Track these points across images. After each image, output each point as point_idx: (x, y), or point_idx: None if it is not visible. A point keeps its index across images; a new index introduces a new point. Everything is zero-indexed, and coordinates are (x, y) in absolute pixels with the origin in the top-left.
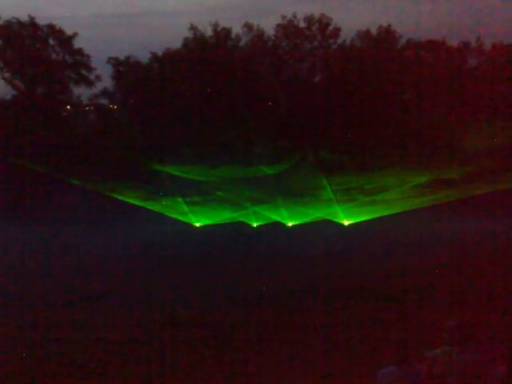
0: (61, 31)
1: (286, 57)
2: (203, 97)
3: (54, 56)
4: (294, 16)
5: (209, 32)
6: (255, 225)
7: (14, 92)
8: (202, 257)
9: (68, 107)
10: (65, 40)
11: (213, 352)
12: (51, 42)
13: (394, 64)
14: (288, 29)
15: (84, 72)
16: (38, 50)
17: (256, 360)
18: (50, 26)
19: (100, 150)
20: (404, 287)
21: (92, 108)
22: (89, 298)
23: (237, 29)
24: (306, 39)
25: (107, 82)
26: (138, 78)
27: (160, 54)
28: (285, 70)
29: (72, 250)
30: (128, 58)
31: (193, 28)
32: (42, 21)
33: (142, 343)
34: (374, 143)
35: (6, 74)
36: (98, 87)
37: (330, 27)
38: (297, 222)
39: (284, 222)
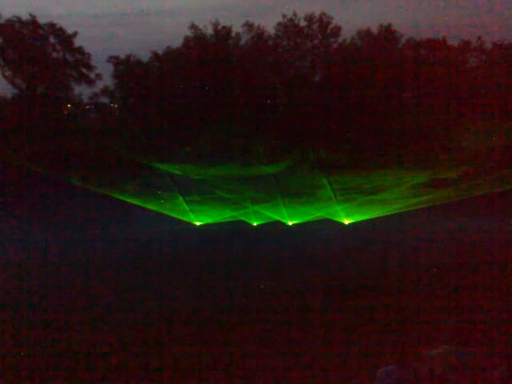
0: (61, 30)
1: (287, 55)
2: (203, 95)
3: (54, 54)
4: (295, 15)
5: (209, 31)
6: (255, 224)
7: (14, 90)
8: (202, 255)
9: (68, 106)
10: (65, 38)
11: (211, 351)
12: (52, 40)
13: (395, 63)
14: (288, 28)
15: (84, 71)
16: (38, 48)
17: (255, 359)
18: (51, 25)
19: (100, 148)
20: (404, 286)
21: (92, 107)
22: (87, 297)
23: (237, 28)
24: (306, 38)
25: (108, 81)
26: (139, 76)
27: (160, 52)
28: (285, 68)
29: (70, 250)
30: (128, 56)
31: (193, 27)
32: (42, 19)
33: (141, 342)
34: (373, 142)
35: (7, 73)
36: (99, 86)
37: (331, 26)
38: (297, 221)
39: (284, 220)
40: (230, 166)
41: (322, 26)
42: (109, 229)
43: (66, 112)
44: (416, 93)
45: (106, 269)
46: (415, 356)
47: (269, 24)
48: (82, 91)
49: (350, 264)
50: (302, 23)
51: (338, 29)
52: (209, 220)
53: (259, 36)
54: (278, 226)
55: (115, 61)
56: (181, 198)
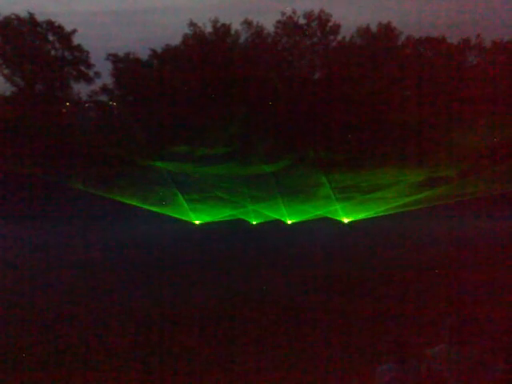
0: (60, 28)
1: (286, 53)
2: (202, 93)
3: (53, 52)
4: (294, 12)
5: (208, 28)
6: (254, 222)
7: (13, 88)
8: (201, 254)
9: (67, 103)
10: (64, 36)
11: (212, 350)
12: (50, 38)
13: (394, 61)
14: (287, 25)
15: (83, 68)
16: (37, 46)
17: (255, 357)
18: (50, 23)
19: (99, 146)
20: (404, 285)
21: (91, 104)
22: (87, 295)
23: (236, 25)
24: (305, 36)
25: (106, 79)
26: (138, 74)
27: (159, 50)
28: (284, 66)
29: (70, 249)
30: (127, 54)
31: (192, 24)
32: (41, 17)
33: (140, 341)
34: (372, 140)
35: (5, 71)
36: (98, 84)
37: (330, 24)
38: (296, 220)
39: (283, 219)
40: (229, 164)
41: (321, 23)
42: (107, 228)
43: (64, 110)
44: (415, 91)
45: (104, 267)
46: (415, 354)
47: (268, 22)
48: (81, 89)
49: (348, 262)
50: (301, 21)
51: (337, 26)
52: (208, 219)
53: (258, 34)
54: (277, 224)
55: (114, 59)
56: (180, 197)
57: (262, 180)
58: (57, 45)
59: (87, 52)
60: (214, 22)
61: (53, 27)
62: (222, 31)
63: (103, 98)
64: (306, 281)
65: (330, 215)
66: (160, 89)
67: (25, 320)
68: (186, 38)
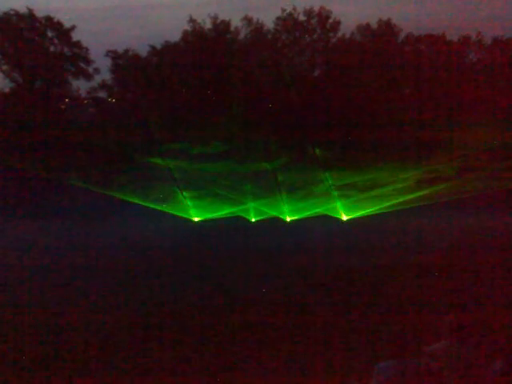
0: (59, 23)
1: (286, 50)
2: (202, 90)
3: (52, 48)
4: (294, 9)
5: (208, 25)
6: (253, 219)
7: (12, 84)
8: (200, 251)
9: (66, 100)
10: (63, 32)
11: (211, 347)
12: (49, 34)
13: (394, 58)
14: (287, 22)
15: (82, 65)
16: (36, 42)
17: (255, 355)
18: (49, 19)
19: (98, 143)
20: (403, 282)
21: (90, 101)
22: (86, 294)
23: (236, 22)
24: (305, 32)
25: (106, 75)
26: (137, 71)
27: (159, 46)
28: (284, 63)
29: (69, 246)
30: (126, 50)
31: (192, 21)
32: (40, 13)
33: (140, 340)
34: (372, 137)
35: (4, 67)
36: (97, 80)
37: (330, 20)
38: (295, 217)
39: (282, 216)
40: (229, 161)
41: (322, 20)
42: (106, 225)
43: (63, 106)
44: (415, 88)
45: (103, 264)
46: (414, 351)
47: (268, 18)
48: (80, 85)
49: (348, 259)
50: (301, 18)
51: (337, 23)
52: (207, 216)
53: (258, 30)
54: (276, 221)
55: (113, 55)
56: (179, 195)
57: (261, 177)
58: (56, 41)
59: (86, 48)
60: (214, 19)
61: (52, 23)
62: (221, 28)
63: (102, 94)
64: (305, 278)
65: (329, 213)
66: (159, 85)
67: (24, 321)
68: (185, 34)
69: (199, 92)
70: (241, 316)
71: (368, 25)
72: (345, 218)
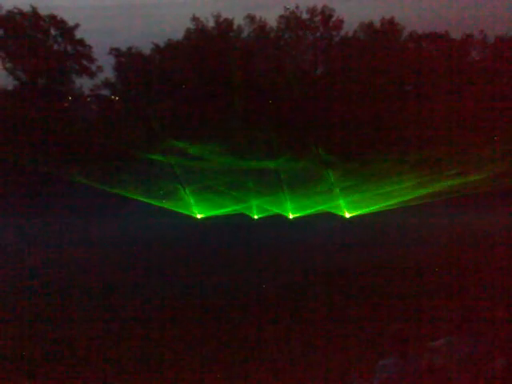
0: (63, 22)
1: (288, 48)
2: (205, 88)
3: (55, 47)
4: (297, 7)
5: (211, 23)
6: (256, 217)
7: (15, 82)
8: (203, 248)
9: (69, 98)
10: (66, 31)
11: (213, 343)
12: (53, 32)
13: (397, 56)
14: (290, 20)
15: (86, 63)
16: (39, 40)
17: (255, 351)
18: (52, 17)
19: (101, 140)
20: (405, 279)
21: (93, 99)
22: (88, 291)
23: (239, 20)
24: (308, 31)
25: (109, 73)
26: (140, 68)
27: (162, 44)
28: (287, 61)
29: (73, 243)
30: (130, 48)
31: (195, 19)
32: (43, 11)
33: (140, 338)
34: (375, 136)
35: (8, 65)
36: (100, 78)
37: (333, 19)
38: (298, 215)
39: (285, 214)
40: (232, 159)
41: (324, 18)
42: (110, 222)
43: (66, 104)
44: (418, 86)
45: (107, 261)
46: (416, 348)
47: (271, 17)
48: (83, 83)
49: (349, 257)
50: (304, 16)
51: (340, 22)
52: (210, 213)
53: (261, 29)
54: (279, 219)
55: (116, 53)
56: (182, 192)
57: (265, 175)
58: (59, 39)
59: (90, 46)
60: (217, 17)
61: (55, 21)
62: (224, 26)
63: (105, 92)
64: (307, 275)
65: (332, 210)
66: (162, 83)
67: (23, 315)
68: (188, 32)
69: (202, 90)
70: (241, 313)
71: (371, 23)
72: (347, 215)
